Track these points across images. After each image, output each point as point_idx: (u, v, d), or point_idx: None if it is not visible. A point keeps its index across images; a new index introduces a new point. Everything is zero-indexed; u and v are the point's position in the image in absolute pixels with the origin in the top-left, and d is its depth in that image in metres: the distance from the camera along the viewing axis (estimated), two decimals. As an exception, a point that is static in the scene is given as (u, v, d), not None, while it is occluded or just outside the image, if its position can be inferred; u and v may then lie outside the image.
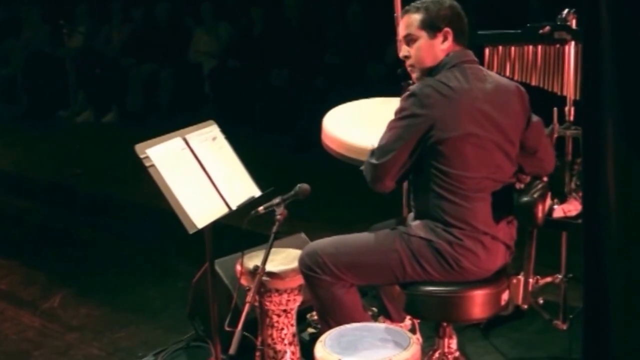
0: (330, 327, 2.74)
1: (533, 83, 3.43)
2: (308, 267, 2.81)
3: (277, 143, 7.37)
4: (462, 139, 2.62)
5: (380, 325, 2.68)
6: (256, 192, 3.23)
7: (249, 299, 2.76)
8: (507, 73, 3.44)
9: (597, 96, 1.58)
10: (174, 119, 8.34)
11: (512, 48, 3.45)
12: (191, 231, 2.83)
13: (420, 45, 2.78)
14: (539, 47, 3.42)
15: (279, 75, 7.67)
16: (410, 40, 2.80)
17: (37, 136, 8.46)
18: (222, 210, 3.03)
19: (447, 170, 2.65)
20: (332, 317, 2.82)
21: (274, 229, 2.85)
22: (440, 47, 2.75)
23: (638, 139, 1.54)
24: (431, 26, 2.75)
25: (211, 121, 3.28)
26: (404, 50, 2.83)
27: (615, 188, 1.55)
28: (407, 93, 2.68)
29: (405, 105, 2.67)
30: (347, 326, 2.65)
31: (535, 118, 2.82)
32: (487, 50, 3.48)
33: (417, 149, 2.66)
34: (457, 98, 2.62)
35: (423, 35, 2.76)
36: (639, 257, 1.58)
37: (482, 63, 3.44)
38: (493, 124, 2.66)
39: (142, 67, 8.81)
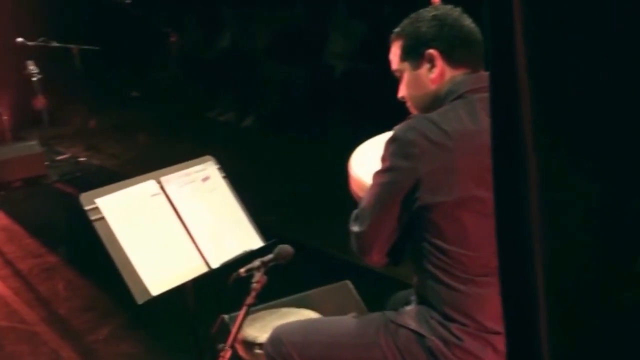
0: None
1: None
2: (271, 358, 2.07)
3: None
4: (460, 204, 1.77)
5: None
6: (256, 244, 2.53)
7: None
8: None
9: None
10: (309, 123, 7.93)
11: None
12: (140, 301, 2.18)
13: (407, 81, 1.95)
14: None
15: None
16: (400, 77, 1.98)
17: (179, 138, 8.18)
18: (199, 270, 2.36)
19: (441, 245, 1.81)
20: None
21: (248, 300, 2.16)
22: (428, 76, 1.89)
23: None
24: (413, 52, 1.91)
25: (208, 157, 2.60)
26: (400, 90, 2.00)
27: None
28: (390, 136, 1.86)
29: (386, 154, 1.85)
30: None
31: None
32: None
33: (405, 214, 1.84)
34: (453, 146, 1.76)
35: (406, 67, 1.94)
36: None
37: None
38: None
39: (280, 70, 8.31)
